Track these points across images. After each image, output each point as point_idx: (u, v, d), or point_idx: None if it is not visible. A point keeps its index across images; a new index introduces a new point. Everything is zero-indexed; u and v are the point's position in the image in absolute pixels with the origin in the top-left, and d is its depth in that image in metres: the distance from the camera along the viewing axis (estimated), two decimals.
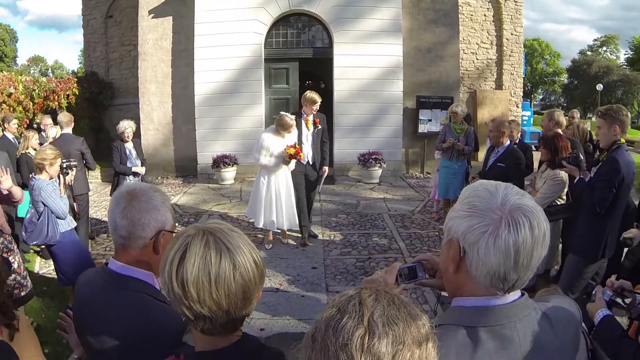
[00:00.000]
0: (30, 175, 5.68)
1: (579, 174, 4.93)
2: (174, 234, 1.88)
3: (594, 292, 2.69)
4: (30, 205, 5.53)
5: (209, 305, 1.36)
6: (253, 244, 1.48)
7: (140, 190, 1.95)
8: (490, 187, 1.39)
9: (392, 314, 1.04)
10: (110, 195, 7.95)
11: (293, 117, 7.59)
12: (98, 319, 1.84)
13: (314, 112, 7.93)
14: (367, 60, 13.33)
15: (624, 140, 4.62)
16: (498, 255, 1.29)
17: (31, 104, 13.48)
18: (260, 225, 7.75)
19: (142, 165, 8.35)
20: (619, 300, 2.63)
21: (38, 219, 5.34)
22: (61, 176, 5.77)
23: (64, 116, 7.97)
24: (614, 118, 4.51)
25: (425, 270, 1.73)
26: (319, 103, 7.88)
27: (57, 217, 5.39)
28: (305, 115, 7.93)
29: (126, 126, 8.12)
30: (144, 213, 1.88)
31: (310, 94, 7.94)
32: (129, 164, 8.10)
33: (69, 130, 7.85)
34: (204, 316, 1.38)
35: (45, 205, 5.33)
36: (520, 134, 7.99)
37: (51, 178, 5.50)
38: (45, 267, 7.21)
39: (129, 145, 8.22)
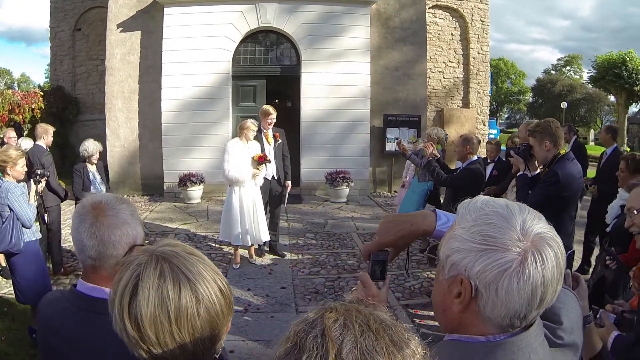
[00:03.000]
0: None
1: (524, 168, 4.67)
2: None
3: (598, 316, 2.65)
4: None
5: (171, 348, 1.17)
6: (216, 268, 1.29)
7: (107, 203, 1.76)
8: (501, 210, 1.16)
9: (368, 346, 0.82)
10: None
11: (255, 121, 7.67)
12: (71, 346, 1.66)
13: (271, 126, 7.98)
14: (335, 79, 13.38)
15: (564, 152, 4.43)
16: (523, 295, 1.09)
17: None
18: (238, 243, 7.68)
19: (106, 191, 7.85)
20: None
21: (2, 224, 5.13)
22: (32, 183, 5.63)
23: (38, 127, 7.70)
24: (542, 133, 4.40)
25: (381, 253, 1.60)
26: (274, 115, 7.93)
27: (23, 225, 5.20)
28: (264, 131, 7.96)
29: (94, 149, 7.45)
30: (113, 229, 1.71)
31: (264, 106, 8.11)
32: (92, 190, 7.42)
33: (39, 142, 7.55)
34: None
35: (11, 209, 5.14)
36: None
37: (18, 182, 5.32)
38: (6, 287, 6.96)
39: (93, 169, 7.53)
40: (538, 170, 4.63)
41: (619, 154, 7.85)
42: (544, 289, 1.10)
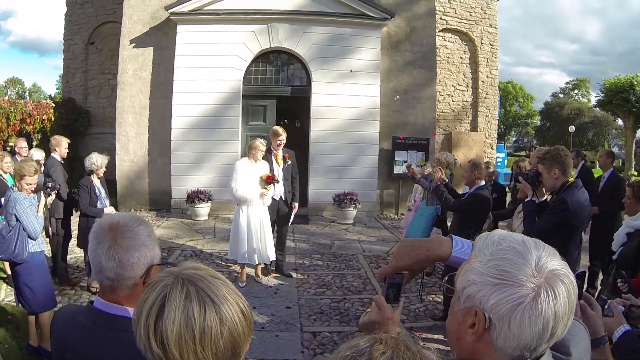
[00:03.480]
0: (10, 186, 5.54)
1: (532, 194, 4.66)
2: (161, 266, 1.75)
3: (607, 306, 2.63)
4: (2, 217, 5.37)
5: None
6: (238, 291, 1.34)
7: (124, 224, 1.76)
8: (517, 245, 1.20)
9: None
10: (78, 245, 7.57)
11: (264, 141, 7.70)
12: None
13: (280, 146, 7.99)
14: (345, 100, 13.41)
15: (572, 179, 4.42)
16: (534, 329, 1.14)
17: (6, 125, 13.34)
18: (244, 261, 7.69)
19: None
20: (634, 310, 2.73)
21: (8, 233, 5.15)
22: (43, 196, 5.64)
23: (52, 140, 7.73)
24: (551, 161, 4.38)
25: (397, 276, 1.64)
26: (284, 137, 7.93)
27: (28, 236, 5.21)
28: (274, 152, 7.98)
29: (102, 162, 7.18)
30: (132, 252, 1.71)
31: (274, 128, 8.12)
32: (99, 204, 7.04)
33: (54, 154, 7.59)
34: None
35: (18, 220, 5.17)
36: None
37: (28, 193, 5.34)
38: (10, 295, 6.91)
39: (98, 183, 7.16)
40: (545, 197, 4.63)
41: (617, 176, 8.38)
42: (555, 323, 1.14)
